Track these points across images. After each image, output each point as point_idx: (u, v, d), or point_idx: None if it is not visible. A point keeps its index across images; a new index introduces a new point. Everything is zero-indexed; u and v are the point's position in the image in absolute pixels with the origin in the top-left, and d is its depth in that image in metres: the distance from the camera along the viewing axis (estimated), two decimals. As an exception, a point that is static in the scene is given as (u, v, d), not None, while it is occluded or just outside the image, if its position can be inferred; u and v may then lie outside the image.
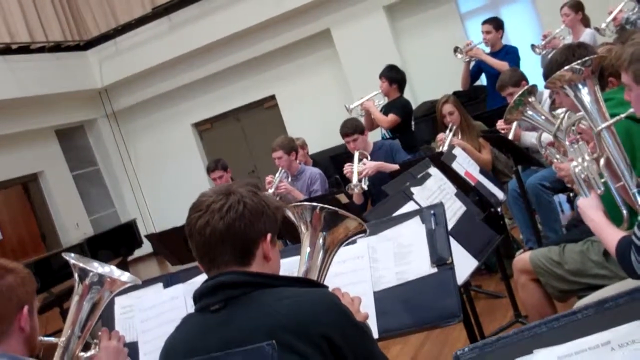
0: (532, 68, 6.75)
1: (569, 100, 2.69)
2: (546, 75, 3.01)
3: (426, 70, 10.14)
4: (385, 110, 7.04)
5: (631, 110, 2.34)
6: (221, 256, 1.85)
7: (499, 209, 4.53)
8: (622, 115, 2.39)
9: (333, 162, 7.99)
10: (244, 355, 1.53)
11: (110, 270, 2.39)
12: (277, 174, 5.91)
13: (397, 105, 7.02)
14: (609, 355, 1.14)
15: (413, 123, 7.29)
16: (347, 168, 5.63)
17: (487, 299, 5.02)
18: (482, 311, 4.35)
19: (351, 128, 5.76)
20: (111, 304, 3.03)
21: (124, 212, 13.07)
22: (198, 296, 1.88)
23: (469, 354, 1.19)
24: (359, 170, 5.54)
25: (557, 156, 2.94)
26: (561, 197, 6.28)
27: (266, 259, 1.90)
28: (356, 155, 5.66)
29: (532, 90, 3.29)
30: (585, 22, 6.66)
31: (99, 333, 2.41)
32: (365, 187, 5.50)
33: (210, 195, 1.89)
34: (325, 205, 2.17)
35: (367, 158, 5.64)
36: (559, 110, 3.33)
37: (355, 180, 5.50)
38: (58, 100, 11.73)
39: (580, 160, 2.54)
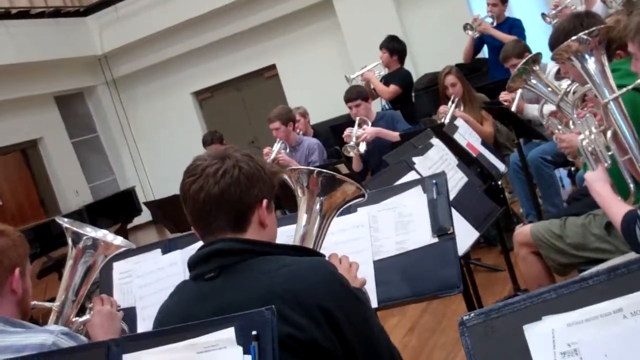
0: (535, 40, 6.67)
1: (576, 71, 2.64)
2: (552, 44, 2.95)
3: (428, 42, 10.04)
4: (386, 81, 7.01)
5: (638, 81, 2.30)
6: (216, 222, 1.82)
7: (499, 182, 4.51)
8: (629, 87, 2.34)
9: (333, 132, 7.94)
10: (242, 319, 1.50)
11: (103, 234, 2.37)
12: (275, 145, 5.87)
13: (398, 76, 6.99)
14: (621, 323, 1.10)
15: (414, 95, 7.24)
16: (346, 132, 5.67)
17: (486, 272, 5.01)
18: (481, 284, 4.34)
19: (355, 94, 5.82)
20: (109, 269, 3.03)
21: (123, 179, 13.04)
22: (192, 264, 1.85)
23: (474, 320, 1.15)
24: (357, 134, 5.57)
25: (559, 127, 2.90)
26: (562, 172, 6.25)
27: (262, 225, 1.86)
28: (357, 120, 5.69)
29: (537, 58, 3.24)
30: None
31: (94, 297, 2.40)
32: (362, 150, 5.53)
33: (205, 159, 1.84)
34: (323, 170, 2.14)
35: (367, 125, 5.65)
36: (564, 82, 3.29)
37: (353, 140, 5.54)
38: (57, 66, 11.64)
39: (587, 132, 2.50)
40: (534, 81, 3.15)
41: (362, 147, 5.54)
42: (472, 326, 1.16)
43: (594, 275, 1.11)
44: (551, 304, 1.14)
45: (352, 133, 5.60)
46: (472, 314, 1.16)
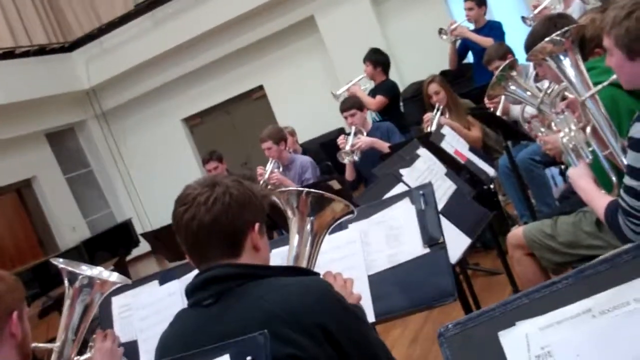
0: (517, 42, 6.71)
1: (552, 72, 2.69)
2: (528, 47, 3.00)
3: (412, 52, 10.10)
4: (373, 93, 7.08)
5: (614, 76, 2.33)
6: (210, 249, 1.84)
7: (491, 186, 4.53)
8: (605, 83, 2.39)
9: (323, 149, 7.98)
10: (237, 346, 1.53)
11: (99, 272, 2.39)
12: (268, 165, 5.90)
13: (384, 87, 7.06)
14: (591, 323, 1.13)
15: (401, 104, 7.28)
16: (341, 138, 5.78)
17: (485, 277, 5.03)
18: (480, 289, 4.36)
19: (350, 103, 5.96)
20: (108, 304, 3.04)
21: (120, 212, 13.02)
22: (190, 291, 1.87)
23: (452, 330, 1.18)
24: (353, 142, 5.67)
25: (542, 129, 2.93)
26: (553, 170, 6.27)
27: (255, 249, 1.89)
28: (353, 129, 5.80)
29: (513, 64, 3.28)
30: None
31: (94, 335, 2.41)
32: (356, 158, 5.65)
33: (195, 188, 1.86)
34: (311, 190, 2.17)
35: (362, 134, 5.75)
36: (544, 83, 3.33)
37: (348, 147, 5.63)
38: (46, 103, 11.66)
39: (567, 130, 2.54)
40: (513, 87, 3.19)
41: (356, 156, 5.65)
42: (450, 336, 1.19)
43: (564, 279, 1.14)
44: (524, 309, 1.17)
45: (347, 139, 5.70)
46: (450, 325, 1.19)
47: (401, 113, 7.42)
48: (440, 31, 7.18)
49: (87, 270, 2.36)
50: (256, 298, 1.75)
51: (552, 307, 1.14)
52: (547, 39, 2.50)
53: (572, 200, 3.29)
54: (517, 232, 3.27)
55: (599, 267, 1.13)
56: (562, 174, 6.28)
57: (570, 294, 1.14)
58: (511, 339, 1.16)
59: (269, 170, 5.85)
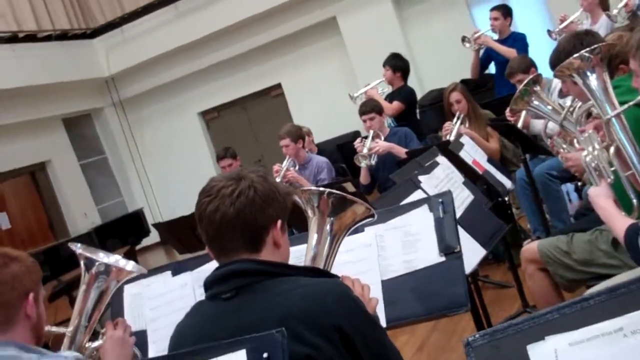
0: (540, 55, 6.69)
1: (577, 89, 2.68)
2: (553, 64, 2.99)
3: (433, 58, 10.09)
4: (390, 98, 7.07)
5: None
6: (231, 242, 1.84)
7: (506, 198, 4.52)
8: (631, 103, 2.37)
9: (339, 150, 7.98)
10: (254, 342, 1.53)
11: (116, 259, 2.40)
12: (284, 162, 5.91)
13: (401, 93, 7.06)
14: (622, 342, 1.13)
15: (419, 111, 7.27)
16: (357, 141, 5.81)
17: (495, 289, 5.01)
18: (489, 301, 4.35)
19: (369, 107, 5.95)
20: (120, 292, 3.04)
21: (132, 201, 13.07)
22: (209, 284, 1.88)
23: (479, 340, 1.18)
24: (370, 146, 5.67)
25: (564, 146, 2.92)
26: (569, 187, 6.24)
27: (276, 245, 1.89)
28: (371, 133, 5.79)
29: (537, 79, 3.27)
30: (604, 6, 6.54)
31: (106, 322, 2.42)
32: (373, 162, 5.66)
33: (221, 180, 1.87)
34: (333, 190, 2.16)
35: (380, 139, 5.73)
36: (567, 100, 3.31)
37: (365, 151, 5.63)
38: (65, 88, 11.72)
39: (590, 149, 2.52)
40: (536, 102, 3.18)
41: (373, 160, 5.66)
42: (477, 347, 1.19)
43: (595, 295, 1.14)
44: (554, 324, 1.16)
45: (364, 143, 5.70)
46: (478, 335, 1.18)
47: (417, 120, 7.41)
48: (464, 39, 7.19)
49: (104, 257, 2.37)
50: (275, 295, 1.76)
51: (583, 323, 1.14)
52: (575, 55, 2.48)
53: (588, 218, 3.27)
54: (531, 246, 3.26)
55: (632, 286, 1.12)
56: (578, 190, 6.25)
57: (602, 311, 1.14)
58: (540, 353, 1.16)
59: (284, 168, 5.86)
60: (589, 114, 2.76)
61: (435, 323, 4.53)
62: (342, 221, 2.17)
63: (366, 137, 5.82)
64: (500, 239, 3.52)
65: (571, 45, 2.93)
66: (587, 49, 2.47)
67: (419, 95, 8.14)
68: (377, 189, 5.95)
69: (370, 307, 2.01)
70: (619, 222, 2.33)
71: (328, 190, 2.16)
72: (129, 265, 2.42)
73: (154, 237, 9.66)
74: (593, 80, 2.49)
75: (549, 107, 3.16)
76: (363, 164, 5.67)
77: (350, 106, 7.39)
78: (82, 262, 2.37)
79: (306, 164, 6.02)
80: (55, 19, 11.84)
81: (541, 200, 5.01)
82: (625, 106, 2.39)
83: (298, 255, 2.38)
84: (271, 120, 11.37)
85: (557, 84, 4.99)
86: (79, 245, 2.38)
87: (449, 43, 9.40)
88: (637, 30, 2.29)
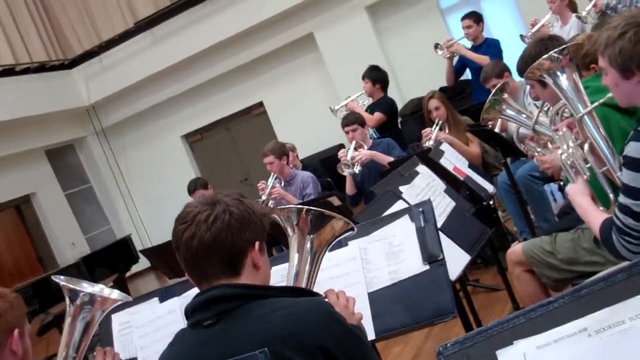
0: (514, 60, 6.74)
1: (546, 92, 2.74)
2: (520, 70, 3.05)
3: (411, 68, 10.16)
4: (371, 110, 7.11)
5: (610, 95, 2.36)
6: (210, 268, 1.84)
7: (491, 202, 4.54)
8: (601, 100, 2.42)
9: (324, 164, 8.01)
10: (238, 365, 1.53)
11: (100, 289, 2.39)
12: (269, 180, 5.92)
13: (382, 104, 7.10)
14: (587, 342, 1.15)
15: (400, 121, 7.31)
16: (341, 151, 5.80)
17: (486, 293, 5.02)
18: (481, 305, 4.36)
19: (352, 119, 5.97)
20: (108, 321, 3.03)
21: (119, 228, 13.02)
22: (190, 311, 1.87)
23: (451, 349, 1.20)
24: (353, 154, 5.69)
25: (538, 149, 2.95)
26: (552, 186, 6.28)
27: (256, 267, 1.88)
28: (353, 144, 5.82)
29: (504, 87, 3.31)
30: (573, 7, 6.63)
31: (94, 353, 2.41)
32: (356, 170, 5.66)
33: (196, 206, 1.87)
34: (311, 207, 2.17)
35: (363, 149, 5.77)
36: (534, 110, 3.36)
37: (348, 158, 5.66)
38: (46, 120, 11.71)
39: (565, 147, 2.56)
40: (508, 111, 3.22)
41: (357, 169, 5.65)
42: (449, 355, 1.20)
43: (559, 298, 1.16)
44: (521, 328, 1.18)
45: (347, 152, 5.72)
46: (448, 344, 1.20)
47: (399, 130, 7.45)
48: (437, 46, 7.25)
49: (88, 287, 2.37)
50: (257, 319, 1.75)
51: (549, 326, 1.16)
52: (545, 56, 2.52)
53: (571, 217, 3.29)
54: (516, 249, 3.28)
55: (595, 287, 1.15)
56: (562, 189, 6.29)
57: (566, 313, 1.16)
58: (509, 357, 1.17)
59: (270, 185, 5.87)
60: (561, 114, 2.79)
61: (429, 331, 4.54)
62: (322, 237, 2.18)
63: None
64: (487, 242, 3.54)
65: (537, 50, 3.00)
66: (556, 49, 2.52)
67: (399, 105, 8.19)
68: (364, 201, 5.96)
69: (355, 319, 2.02)
70: (595, 218, 2.36)
71: (306, 207, 2.17)
72: (114, 293, 2.42)
73: (144, 262, 9.63)
74: (564, 80, 2.53)
75: (521, 114, 3.21)
76: (346, 173, 5.68)
77: (333, 120, 7.42)
78: (66, 294, 2.36)
79: (291, 180, 6.03)
80: (33, 51, 11.86)
81: (525, 201, 5.04)
82: (596, 103, 2.44)
83: (282, 273, 2.39)
84: (255, 138, 11.37)
85: (529, 88, 5.04)
86: (62, 277, 2.38)
87: (426, 52, 9.41)
88: (605, 28, 2.32)
